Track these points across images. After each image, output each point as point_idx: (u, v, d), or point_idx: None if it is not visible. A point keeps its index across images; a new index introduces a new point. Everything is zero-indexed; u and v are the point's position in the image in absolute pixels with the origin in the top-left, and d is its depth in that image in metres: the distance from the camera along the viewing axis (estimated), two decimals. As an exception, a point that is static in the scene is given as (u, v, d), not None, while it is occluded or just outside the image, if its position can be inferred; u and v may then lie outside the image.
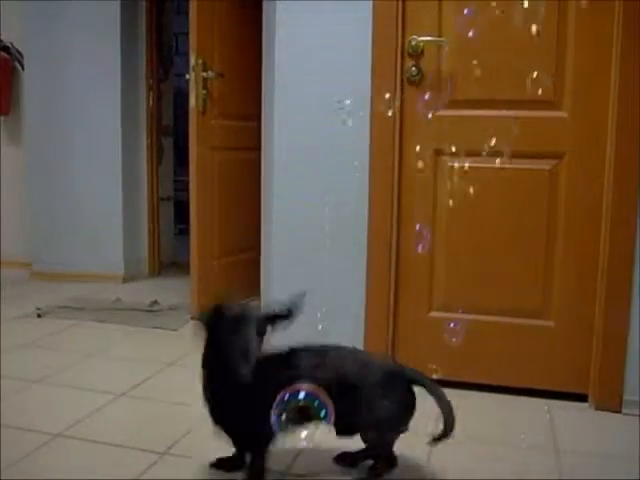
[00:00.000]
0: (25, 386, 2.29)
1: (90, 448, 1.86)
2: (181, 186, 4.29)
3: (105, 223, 3.94)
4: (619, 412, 2.17)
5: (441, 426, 1.57)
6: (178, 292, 3.60)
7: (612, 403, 2.18)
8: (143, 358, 2.65)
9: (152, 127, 4.13)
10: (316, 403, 1.46)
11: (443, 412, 1.57)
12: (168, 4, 4.32)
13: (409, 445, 1.80)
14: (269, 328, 1.55)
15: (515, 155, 2.26)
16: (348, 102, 2.31)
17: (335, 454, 1.75)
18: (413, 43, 2.26)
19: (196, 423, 2.00)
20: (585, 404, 2.24)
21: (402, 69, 2.28)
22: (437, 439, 1.57)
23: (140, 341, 2.88)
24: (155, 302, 3.42)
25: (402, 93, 2.29)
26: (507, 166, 2.26)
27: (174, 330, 3.03)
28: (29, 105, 3.99)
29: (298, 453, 1.81)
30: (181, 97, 4.21)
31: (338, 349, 1.65)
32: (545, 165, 2.25)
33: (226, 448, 1.67)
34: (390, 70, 2.27)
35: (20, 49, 4.04)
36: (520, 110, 2.17)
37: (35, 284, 3.88)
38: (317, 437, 1.60)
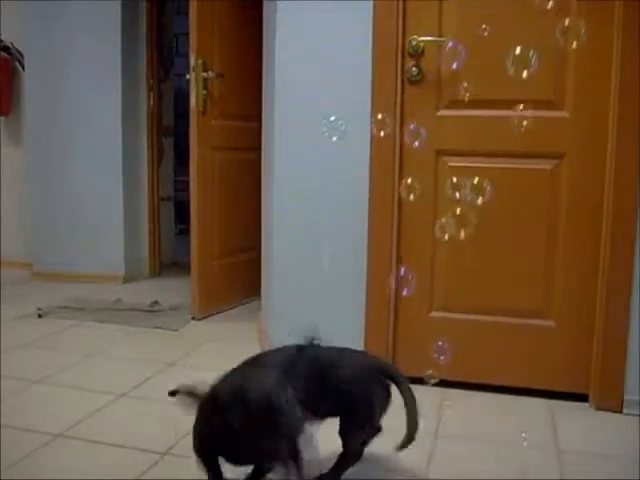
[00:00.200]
0: (25, 386, 2.29)
1: (91, 448, 1.86)
2: (181, 186, 4.29)
3: (105, 223, 3.94)
4: (620, 412, 2.17)
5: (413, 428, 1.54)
6: (178, 292, 3.60)
7: (613, 403, 2.18)
8: (143, 358, 2.65)
9: (152, 127, 4.12)
10: None
11: (408, 416, 1.55)
12: (168, 4, 4.32)
13: (411, 445, 1.79)
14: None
15: (516, 155, 2.27)
16: (347, 102, 2.31)
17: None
18: (414, 43, 2.26)
19: (197, 423, 2.00)
20: (586, 404, 2.24)
21: (402, 69, 2.28)
22: (402, 446, 1.55)
23: (140, 341, 2.88)
24: (155, 302, 3.42)
25: (402, 93, 2.29)
26: (507, 166, 2.27)
27: (175, 330, 3.03)
28: (29, 105, 3.99)
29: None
30: (181, 97, 4.21)
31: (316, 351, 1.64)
32: (546, 165, 2.25)
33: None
34: (391, 70, 2.27)
35: (20, 49, 4.04)
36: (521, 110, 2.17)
37: (35, 284, 3.88)
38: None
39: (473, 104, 2.23)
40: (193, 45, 3.08)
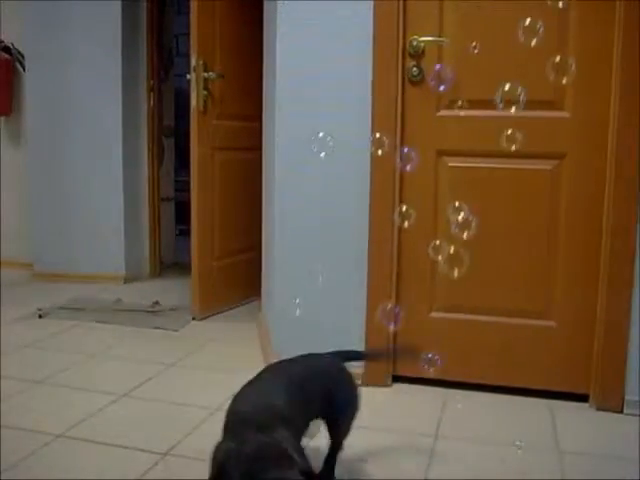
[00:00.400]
0: (26, 387, 2.29)
1: (92, 449, 1.86)
2: (182, 186, 4.29)
3: (106, 224, 3.94)
4: (620, 412, 2.17)
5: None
6: (179, 293, 3.60)
7: (613, 403, 2.18)
8: (144, 359, 2.65)
9: (153, 128, 4.12)
10: None
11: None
12: (169, 5, 4.32)
13: (411, 445, 1.80)
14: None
15: (516, 155, 2.26)
16: (348, 102, 2.31)
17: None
18: (414, 43, 2.26)
19: (197, 423, 2.00)
20: (586, 404, 2.23)
21: (403, 69, 2.28)
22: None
23: (141, 342, 2.88)
24: (156, 303, 3.42)
25: (403, 93, 2.29)
26: (507, 167, 2.27)
27: (175, 331, 3.03)
28: (30, 106, 3.99)
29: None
30: (182, 98, 4.20)
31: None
32: (546, 165, 2.25)
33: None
34: (391, 70, 2.27)
35: (21, 50, 4.04)
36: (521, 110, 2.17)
37: (36, 285, 3.88)
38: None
39: (473, 104, 2.24)
40: (194, 45, 3.09)
